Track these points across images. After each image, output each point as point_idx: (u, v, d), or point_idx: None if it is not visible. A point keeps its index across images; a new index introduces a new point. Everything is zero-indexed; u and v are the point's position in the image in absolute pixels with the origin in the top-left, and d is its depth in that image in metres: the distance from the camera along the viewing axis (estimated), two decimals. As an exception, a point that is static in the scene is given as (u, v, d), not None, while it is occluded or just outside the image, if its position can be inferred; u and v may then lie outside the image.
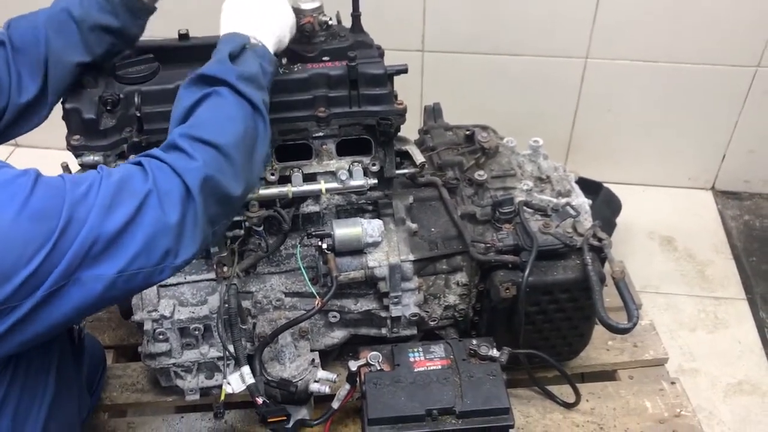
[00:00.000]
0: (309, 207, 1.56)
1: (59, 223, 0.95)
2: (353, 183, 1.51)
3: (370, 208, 1.62)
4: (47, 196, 0.96)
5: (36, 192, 0.96)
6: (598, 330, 1.60)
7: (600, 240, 1.53)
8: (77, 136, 1.35)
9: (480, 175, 1.68)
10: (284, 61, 1.44)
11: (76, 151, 1.35)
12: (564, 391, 1.66)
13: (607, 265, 1.54)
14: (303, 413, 1.55)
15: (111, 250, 1.00)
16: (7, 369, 1.09)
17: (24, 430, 1.14)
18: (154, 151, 1.10)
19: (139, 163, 1.07)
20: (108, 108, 1.35)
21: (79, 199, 0.98)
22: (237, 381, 1.39)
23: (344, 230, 1.50)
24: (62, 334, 1.31)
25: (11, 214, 0.93)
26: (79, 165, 1.37)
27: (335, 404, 1.50)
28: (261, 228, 1.50)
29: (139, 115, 1.36)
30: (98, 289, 1.00)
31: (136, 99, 1.36)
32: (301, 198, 1.54)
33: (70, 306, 1.00)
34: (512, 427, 1.41)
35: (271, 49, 1.28)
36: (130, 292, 1.08)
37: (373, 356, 1.48)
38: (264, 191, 1.48)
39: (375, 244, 1.53)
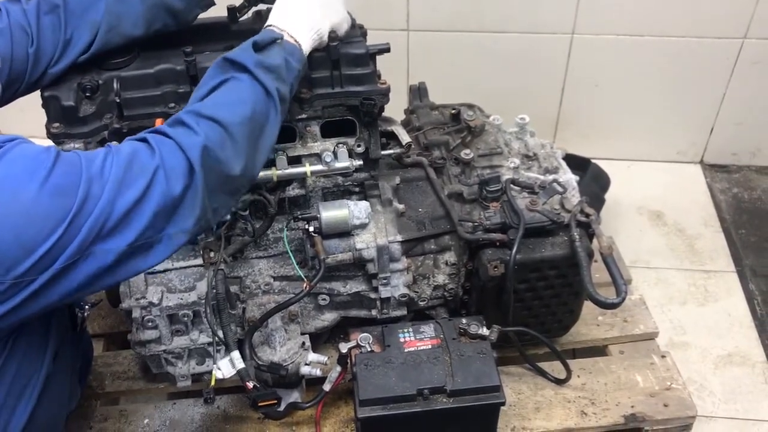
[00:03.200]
0: (295, 190, 1.55)
1: (77, 199, 0.99)
2: (338, 165, 1.50)
3: (357, 189, 1.61)
4: (66, 172, 1.00)
5: (56, 168, 0.99)
6: (588, 306, 1.61)
7: (587, 216, 1.53)
8: (57, 124, 1.34)
9: (466, 154, 1.67)
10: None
11: (57, 138, 1.34)
12: (555, 368, 1.67)
13: (595, 240, 1.54)
14: (294, 396, 1.56)
15: (123, 224, 1.04)
16: (6, 344, 1.12)
17: (18, 405, 1.17)
18: (161, 126, 1.13)
19: (144, 140, 1.11)
20: (87, 94, 1.34)
21: (94, 175, 1.02)
22: (227, 366, 1.39)
23: (331, 213, 1.49)
24: (64, 318, 1.34)
25: (34, 190, 0.97)
26: (60, 153, 1.35)
27: (326, 386, 1.50)
28: (247, 212, 1.50)
29: (118, 100, 1.35)
30: (109, 262, 1.05)
31: (115, 85, 1.35)
32: (286, 181, 1.53)
33: (81, 278, 1.04)
34: (503, 404, 1.42)
35: (308, 46, 1.31)
36: (137, 267, 1.10)
37: (363, 338, 1.48)
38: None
39: (362, 226, 1.53)
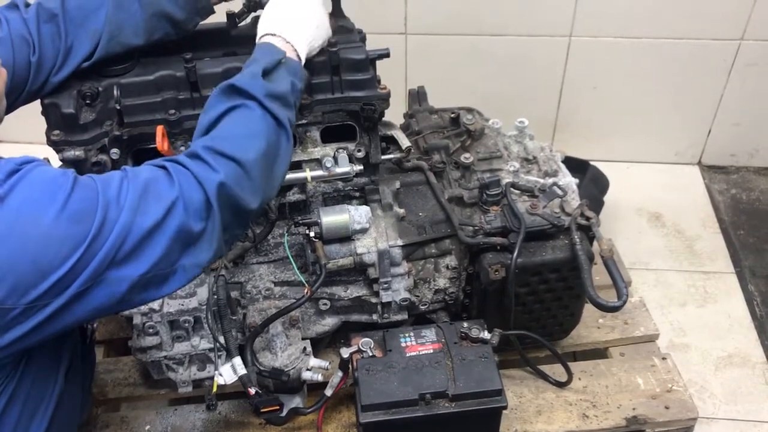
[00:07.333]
0: (295, 195, 1.55)
1: (94, 224, 0.98)
2: (339, 170, 1.50)
3: (357, 194, 1.62)
4: (84, 197, 0.99)
5: (74, 193, 0.98)
6: (589, 309, 1.61)
7: (588, 219, 1.53)
8: (57, 131, 1.33)
9: (466, 157, 1.67)
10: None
11: (57, 146, 1.33)
12: (556, 371, 1.67)
13: (595, 243, 1.54)
14: (296, 402, 1.55)
15: (137, 252, 1.02)
16: (19, 363, 1.11)
17: (32, 424, 1.17)
18: (179, 157, 1.11)
19: (163, 167, 1.09)
20: (87, 102, 1.33)
21: (111, 200, 1.01)
22: (228, 372, 1.39)
23: (331, 218, 1.49)
24: (75, 334, 1.34)
25: (53, 215, 0.96)
26: (60, 160, 1.35)
27: (328, 391, 1.50)
28: (247, 218, 1.49)
29: (119, 108, 1.34)
30: (122, 290, 1.03)
31: (115, 91, 1.34)
32: (287, 186, 1.53)
33: (94, 305, 1.02)
34: (505, 408, 1.42)
35: (304, 57, 1.31)
36: (147, 298, 1.09)
37: (364, 342, 1.48)
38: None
39: (363, 231, 1.53)
